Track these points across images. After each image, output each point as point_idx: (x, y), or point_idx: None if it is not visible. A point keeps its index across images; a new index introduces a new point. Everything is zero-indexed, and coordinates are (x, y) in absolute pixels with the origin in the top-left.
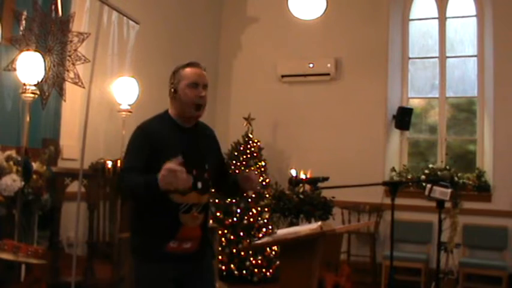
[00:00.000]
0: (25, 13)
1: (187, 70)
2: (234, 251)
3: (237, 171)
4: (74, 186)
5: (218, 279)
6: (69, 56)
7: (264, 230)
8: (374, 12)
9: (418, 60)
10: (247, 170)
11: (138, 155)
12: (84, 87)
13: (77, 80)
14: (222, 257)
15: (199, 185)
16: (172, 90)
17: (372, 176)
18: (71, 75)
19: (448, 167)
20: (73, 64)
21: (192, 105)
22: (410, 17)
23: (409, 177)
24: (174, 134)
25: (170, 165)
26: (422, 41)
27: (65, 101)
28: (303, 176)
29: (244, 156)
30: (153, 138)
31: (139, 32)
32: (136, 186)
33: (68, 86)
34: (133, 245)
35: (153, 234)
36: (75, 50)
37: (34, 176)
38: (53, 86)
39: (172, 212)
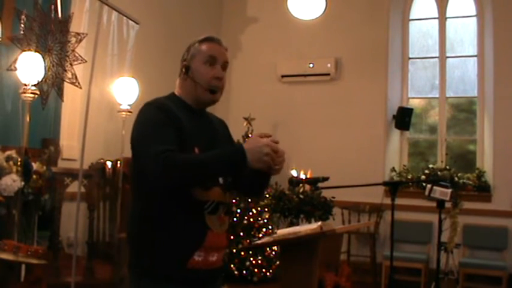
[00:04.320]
0: (25, 12)
1: (205, 45)
2: (234, 251)
3: None
4: (74, 186)
5: None
6: (67, 56)
7: (264, 230)
8: (374, 12)
9: (418, 60)
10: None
11: (167, 133)
12: (81, 88)
13: (74, 80)
14: None
15: (221, 179)
16: (184, 68)
17: (372, 176)
18: (69, 75)
19: (448, 167)
20: (71, 64)
21: (206, 87)
22: (410, 17)
23: (409, 177)
24: (187, 115)
25: (273, 144)
26: (422, 41)
27: (63, 101)
28: (303, 176)
29: None
30: (171, 116)
31: (139, 32)
32: (201, 162)
33: (69, 86)
34: (138, 263)
35: (171, 246)
36: (73, 51)
37: (34, 176)
38: (52, 86)
39: (196, 212)
